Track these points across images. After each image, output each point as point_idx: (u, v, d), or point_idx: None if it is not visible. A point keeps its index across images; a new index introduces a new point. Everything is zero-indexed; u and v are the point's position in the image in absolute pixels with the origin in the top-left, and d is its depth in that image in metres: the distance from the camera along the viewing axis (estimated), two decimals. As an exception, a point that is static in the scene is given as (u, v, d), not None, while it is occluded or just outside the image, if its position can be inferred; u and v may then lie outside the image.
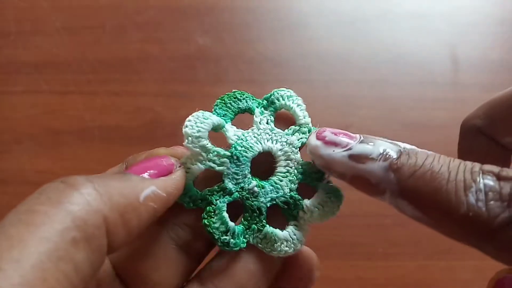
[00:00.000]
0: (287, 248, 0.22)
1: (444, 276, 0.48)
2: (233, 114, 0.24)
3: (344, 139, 0.21)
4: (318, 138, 0.21)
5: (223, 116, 0.23)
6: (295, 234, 0.22)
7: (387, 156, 0.20)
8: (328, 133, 0.21)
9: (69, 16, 0.58)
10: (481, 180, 0.18)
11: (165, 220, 0.22)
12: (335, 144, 0.21)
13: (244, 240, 0.22)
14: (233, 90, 0.24)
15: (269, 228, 0.22)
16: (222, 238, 0.21)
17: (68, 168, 0.51)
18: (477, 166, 0.19)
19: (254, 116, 0.24)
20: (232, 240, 0.21)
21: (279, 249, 0.22)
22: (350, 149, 0.20)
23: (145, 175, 0.20)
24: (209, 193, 0.22)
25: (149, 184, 0.19)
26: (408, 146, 0.20)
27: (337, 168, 0.20)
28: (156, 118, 0.52)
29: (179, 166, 0.21)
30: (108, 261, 0.22)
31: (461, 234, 0.19)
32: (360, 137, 0.21)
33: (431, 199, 0.18)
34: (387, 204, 0.20)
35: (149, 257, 0.21)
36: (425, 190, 0.18)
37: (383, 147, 0.20)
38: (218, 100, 0.24)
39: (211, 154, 0.22)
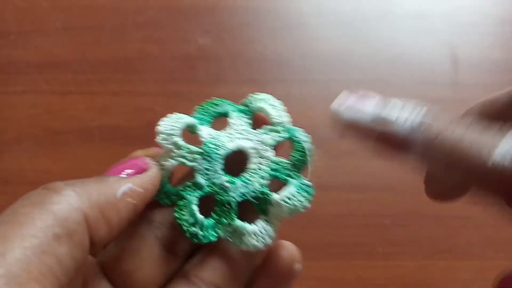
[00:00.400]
0: (256, 242, 0.23)
1: (444, 276, 0.48)
2: (211, 117, 0.25)
3: (368, 104, 0.21)
4: (342, 103, 0.22)
5: (200, 119, 0.24)
6: (264, 229, 0.23)
7: (413, 118, 0.20)
8: (352, 98, 0.22)
9: (69, 16, 0.58)
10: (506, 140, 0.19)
11: (150, 219, 0.23)
12: (359, 109, 0.21)
13: (214, 233, 0.23)
14: (213, 98, 0.25)
15: (238, 222, 0.23)
16: (191, 229, 0.22)
17: (68, 168, 0.51)
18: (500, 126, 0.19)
19: (229, 118, 0.25)
20: (200, 232, 0.22)
21: (248, 243, 0.23)
22: (375, 114, 0.21)
23: (122, 175, 0.21)
24: (182, 189, 0.23)
25: (126, 182, 0.21)
26: (432, 107, 0.21)
27: (360, 132, 0.21)
28: (156, 118, 0.52)
29: (154, 164, 0.23)
30: (94, 259, 0.23)
31: (486, 187, 0.19)
32: (385, 100, 0.21)
33: (456, 157, 0.19)
34: (410, 163, 0.21)
35: (134, 256, 0.22)
36: (450, 150, 0.19)
37: (407, 110, 0.20)
38: (198, 106, 0.25)
39: (182, 150, 0.23)
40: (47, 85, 0.55)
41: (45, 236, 0.17)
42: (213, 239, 0.23)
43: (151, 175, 0.22)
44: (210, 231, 0.23)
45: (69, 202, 0.18)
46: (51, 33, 0.57)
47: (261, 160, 0.24)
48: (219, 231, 0.23)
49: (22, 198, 0.19)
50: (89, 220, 0.19)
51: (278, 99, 0.26)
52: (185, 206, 0.23)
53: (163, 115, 0.25)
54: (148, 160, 0.23)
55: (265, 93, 0.26)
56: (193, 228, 0.22)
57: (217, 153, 0.23)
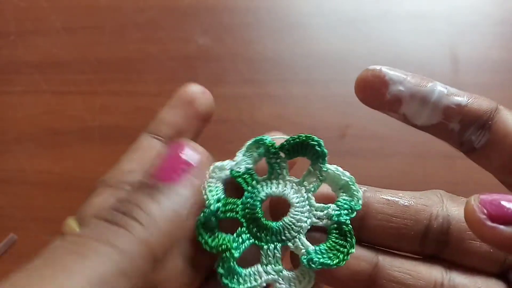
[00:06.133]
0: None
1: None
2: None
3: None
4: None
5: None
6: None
7: None
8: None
9: (69, 16, 0.58)
10: None
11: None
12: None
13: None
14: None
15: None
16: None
17: (68, 168, 0.51)
18: None
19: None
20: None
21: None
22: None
23: (182, 180, 0.20)
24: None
25: (184, 191, 0.20)
26: None
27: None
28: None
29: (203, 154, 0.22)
30: None
31: None
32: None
33: None
34: None
35: (161, 268, 0.22)
36: None
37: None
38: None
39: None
40: (47, 85, 0.55)
41: (105, 271, 0.17)
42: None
43: (201, 166, 0.21)
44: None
45: (136, 238, 0.18)
46: (51, 33, 0.57)
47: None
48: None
49: (85, 229, 0.18)
50: (155, 251, 0.18)
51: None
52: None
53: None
54: (187, 145, 0.22)
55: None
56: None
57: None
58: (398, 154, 0.50)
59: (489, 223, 0.18)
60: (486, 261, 0.23)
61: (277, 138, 0.25)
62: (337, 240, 0.23)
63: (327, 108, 0.52)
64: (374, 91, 0.23)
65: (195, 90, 0.26)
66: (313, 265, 0.23)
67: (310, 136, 0.24)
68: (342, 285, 0.24)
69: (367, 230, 0.24)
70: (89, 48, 0.56)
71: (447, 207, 0.24)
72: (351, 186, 0.24)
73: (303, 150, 0.24)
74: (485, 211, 0.18)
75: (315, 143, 0.24)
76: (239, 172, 0.25)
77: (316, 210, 0.24)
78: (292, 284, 0.23)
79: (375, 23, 0.56)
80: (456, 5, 0.57)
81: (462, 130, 0.23)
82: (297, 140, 0.24)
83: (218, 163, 0.25)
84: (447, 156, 0.49)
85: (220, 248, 0.23)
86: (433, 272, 0.24)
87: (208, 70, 0.55)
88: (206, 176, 0.23)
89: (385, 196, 0.24)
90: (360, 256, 0.24)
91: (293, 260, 0.24)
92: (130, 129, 0.52)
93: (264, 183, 0.25)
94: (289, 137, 0.25)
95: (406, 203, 0.24)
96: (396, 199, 0.24)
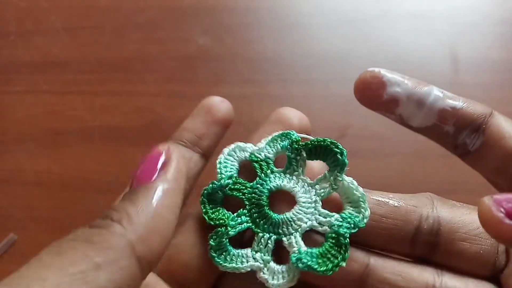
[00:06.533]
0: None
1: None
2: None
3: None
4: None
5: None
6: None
7: None
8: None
9: (69, 16, 0.58)
10: None
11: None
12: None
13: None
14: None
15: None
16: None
17: (68, 168, 0.51)
18: None
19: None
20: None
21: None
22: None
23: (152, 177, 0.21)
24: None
25: (155, 186, 0.20)
26: None
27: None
28: (156, 118, 0.52)
29: (172, 148, 0.22)
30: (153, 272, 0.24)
31: None
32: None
33: None
34: None
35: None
36: None
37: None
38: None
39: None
40: (47, 85, 0.55)
41: (85, 265, 0.17)
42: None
43: (175, 164, 0.21)
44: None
45: (112, 232, 0.19)
46: (51, 33, 0.57)
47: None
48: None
49: (71, 233, 0.19)
50: (135, 244, 0.19)
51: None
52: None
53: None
54: (163, 147, 0.22)
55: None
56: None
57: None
58: (398, 154, 0.50)
59: (507, 220, 0.18)
60: (476, 263, 0.24)
61: (304, 136, 0.25)
62: (330, 249, 0.23)
63: (327, 108, 0.52)
64: (372, 92, 0.24)
65: (214, 99, 0.28)
66: (300, 265, 0.23)
67: (335, 143, 0.25)
68: (332, 284, 0.24)
69: (358, 230, 0.24)
70: (89, 48, 0.56)
71: (437, 209, 0.24)
72: (361, 202, 0.24)
73: (324, 155, 0.25)
74: (502, 210, 0.18)
75: (338, 151, 0.24)
76: (258, 157, 0.25)
77: (319, 215, 0.24)
78: (275, 277, 0.24)
79: (375, 23, 0.56)
80: (456, 5, 0.57)
81: (456, 132, 0.24)
82: (322, 143, 0.25)
83: (241, 143, 0.26)
84: (447, 156, 0.49)
85: (217, 221, 0.24)
86: (425, 275, 0.24)
87: (208, 70, 0.55)
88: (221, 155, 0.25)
89: (375, 197, 0.25)
90: (352, 257, 0.24)
91: (284, 255, 0.24)
92: (130, 129, 0.52)
93: (278, 175, 0.25)
94: (314, 138, 0.25)
95: (396, 204, 0.24)
96: (387, 200, 0.24)
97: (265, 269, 0.24)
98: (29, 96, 0.54)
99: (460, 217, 0.24)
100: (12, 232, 0.49)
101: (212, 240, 0.24)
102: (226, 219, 0.24)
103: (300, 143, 0.25)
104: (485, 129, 0.23)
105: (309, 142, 0.25)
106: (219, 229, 0.24)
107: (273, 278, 0.24)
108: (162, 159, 0.22)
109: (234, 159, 0.25)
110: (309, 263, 0.23)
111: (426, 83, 0.24)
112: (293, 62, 0.55)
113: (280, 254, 0.25)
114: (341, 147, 0.24)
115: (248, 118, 0.49)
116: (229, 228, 0.24)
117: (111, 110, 0.53)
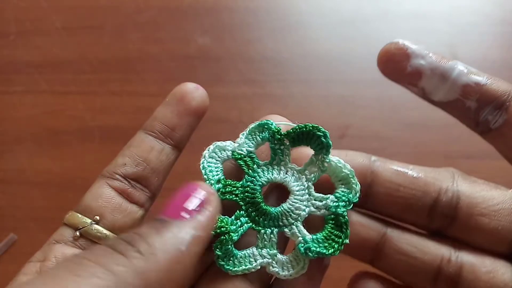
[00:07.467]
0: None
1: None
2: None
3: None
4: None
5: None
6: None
7: None
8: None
9: (69, 16, 0.58)
10: None
11: None
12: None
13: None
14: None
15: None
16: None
17: (68, 168, 0.51)
18: None
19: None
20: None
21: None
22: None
23: (183, 215, 0.20)
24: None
25: (189, 229, 0.20)
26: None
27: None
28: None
29: (212, 195, 0.22)
30: None
31: None
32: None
33: None
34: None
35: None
36: None
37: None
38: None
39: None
40: (47, 85, 0.55)
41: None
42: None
43: (211, 214, 0.21)
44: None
45: (133, 266, 0.18)
46: (51, 33, 0.57)
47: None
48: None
49: (88, 251, 0.18)
50: (150, 282, 0.18)
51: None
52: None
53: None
54: (204, 187, 0.22)
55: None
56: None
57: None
58: (398, 154, 0.50)
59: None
60: (494, 239, 0.24)
61: (282, 124, 0.25)
62: (332, 230, 0.24)
63: (327, 108, 0.52)
64: (395, 64, 0.24)
65: (188, 87, 0.26)
66: (310, 254, 0.23)
67: (317, 126, 0.24)
68: (348, 250, 0.24)
69: (374, 198, 0.24)
70: (89, 48, 0.56)
71: (458, 183, 0.24)
72: (351, 179, 0.24)
73: (308, 140, 0.25)
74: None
75: (321, 134, 0.24)
76: (241, 154, 0.25)
77: (315, 200, 0.24)
78: (285, 268, 0.24)
79: (375, 23, 0.56)
80: (456, 5, 0.57)
81: (479, 108, 0.24)
82: (304, 129, 0.24)
83: (220, 143, 0.25)
84: (447, 156, 0.49)
85: (219, 230, 0.23)
86: (441, 248, 0.24)
87: (208, 70, 0.55)
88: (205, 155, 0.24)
89: (394, 167, 0.25)
90: (369, 225, 0.24)
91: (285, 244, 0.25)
92: (130, 129, 0.52)
93: (265, 168, 0.25)
94: (293, 124, 0.25)
95: (415, 175, 0.24)
96: (406, 170, 0.24)
97: (274, 262, 0.24)
98: (29, 96, 0.54)
99: (480, 193, 0.24)
100: (12, 232, 0.49)
101: (218, 250, 0.23)
102: (227, 226, 0.23)
103: (282, 132, 0.25)
104: (509, 106, 0.23)
105: (291, 130, 0.25)
106: (222, 237, 0.23)
107: (283, 269, 0.24)
108: (199, 197, 0.21)
109: (217, 160, 0.25)
110: (317, 249, 0.23)
111: (450, 58, 0.24)
112: (293, 62, 0.55)
113: (281, 244, 0.25)
114: (323, 129, 0.24)
115: (248, 118, 0.49)
116: (231, 234, 0.23)
117: (111, 110, 0.53)
